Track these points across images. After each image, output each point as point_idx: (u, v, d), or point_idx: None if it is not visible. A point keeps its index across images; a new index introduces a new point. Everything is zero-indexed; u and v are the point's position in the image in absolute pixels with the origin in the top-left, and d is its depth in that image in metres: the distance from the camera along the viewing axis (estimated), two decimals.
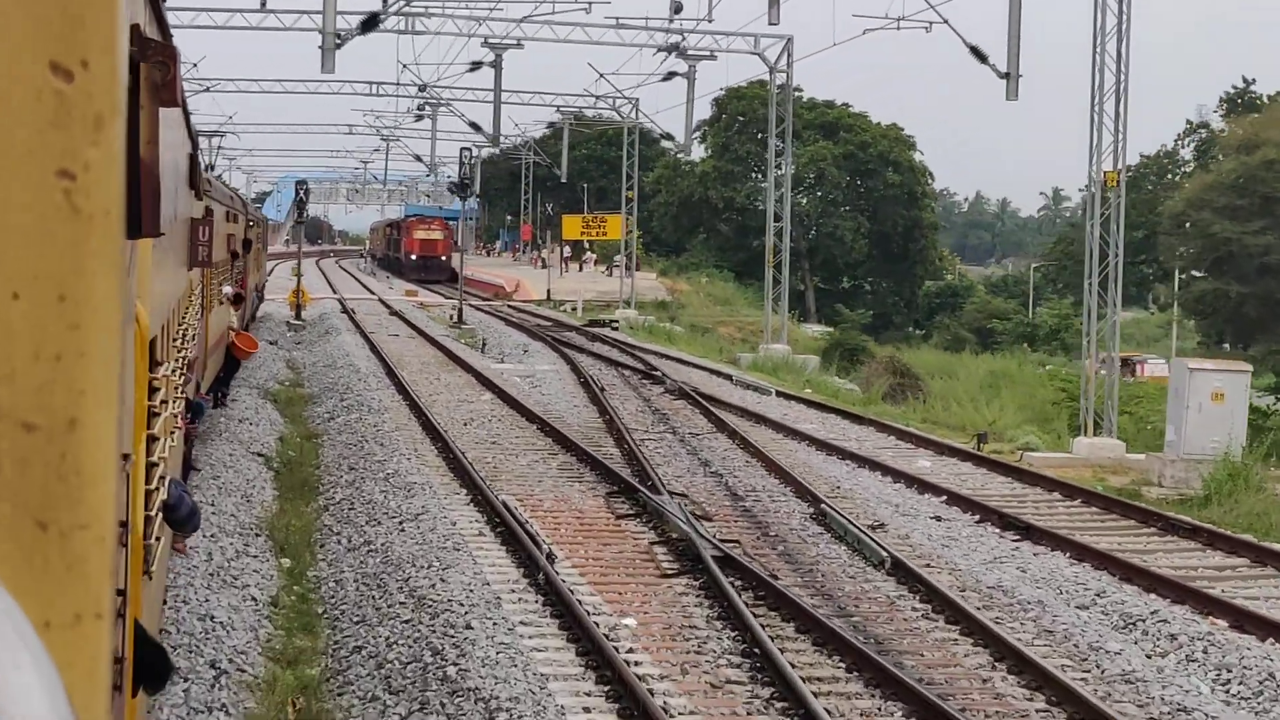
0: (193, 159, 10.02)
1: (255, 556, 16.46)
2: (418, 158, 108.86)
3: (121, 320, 2.38)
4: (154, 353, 5.83)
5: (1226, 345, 73.67)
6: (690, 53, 55.46)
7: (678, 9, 48.70)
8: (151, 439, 5.61)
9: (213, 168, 55.86)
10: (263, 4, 49.30)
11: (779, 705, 11.95)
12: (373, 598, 15.07)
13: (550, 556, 16.28)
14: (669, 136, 69.60)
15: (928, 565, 17.14)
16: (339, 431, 26.15)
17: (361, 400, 29.48)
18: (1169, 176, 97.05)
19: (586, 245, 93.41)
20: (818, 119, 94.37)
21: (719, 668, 12.94)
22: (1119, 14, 30.16)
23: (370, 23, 42.50)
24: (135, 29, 2.64)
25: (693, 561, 16.48)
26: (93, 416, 2.26)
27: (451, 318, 56.73)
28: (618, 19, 53.25)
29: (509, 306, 66.09)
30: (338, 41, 41.40)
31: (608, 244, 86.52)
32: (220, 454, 21.71)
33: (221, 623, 13.37)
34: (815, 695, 11.89)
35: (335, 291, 74.88)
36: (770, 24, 45.36)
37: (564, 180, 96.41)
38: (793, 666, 12.56)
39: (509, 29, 55.44)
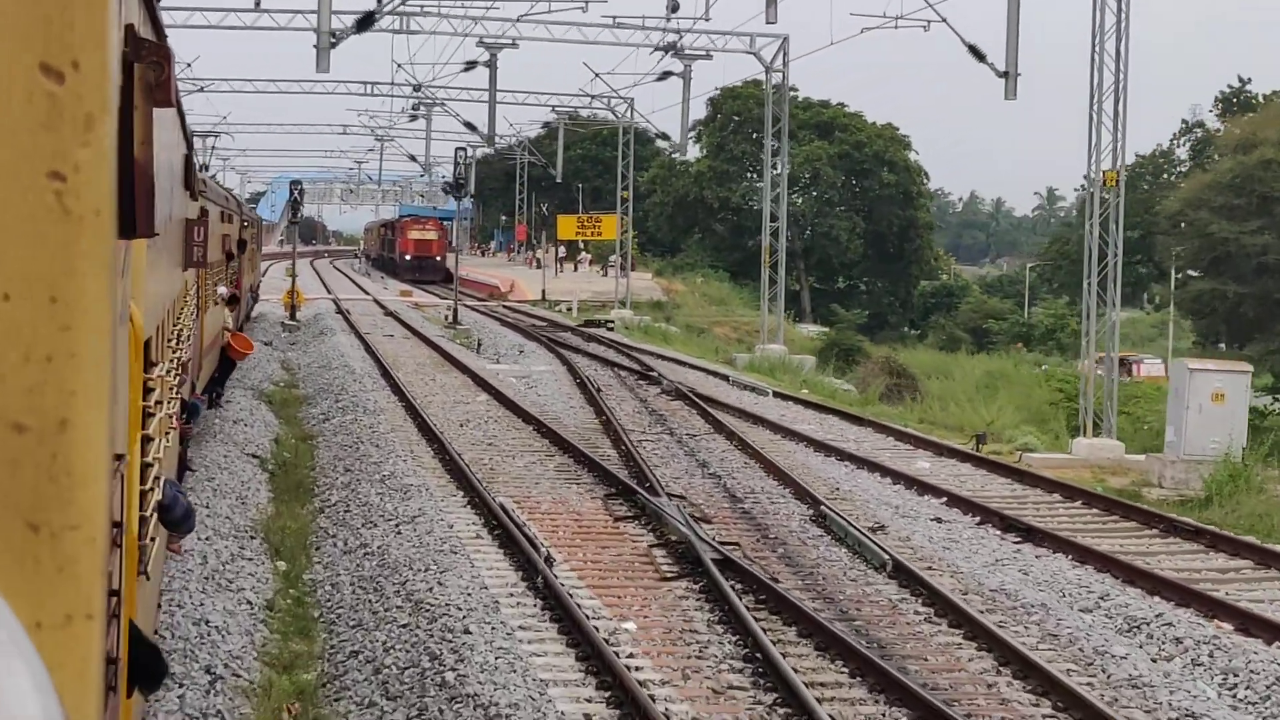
0: (188, 159, 10.03)
1: (250, 559, 16.29)
2: (412, 158, 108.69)
3: (113, 321, 2.39)
4: (149, 353, 5.86)
5: (1222, 345, 73.59)
6: (686, 52, 55.32)
7: (674, 7, 48.54)
8: (146, 439, 5.63)
9: (207, 168, 55.75)
10: (257, 3, 49.20)
11: (782, 712, 11.79)
12: (369, 601, 14.90)
13: (549, 559, 16.11)
14: (664, 136, 69.56)
15: (929, 568, 16.98)
16: (334, 433, 25.98)
17: (357, 401, 29.31)
18: (1164, 176, 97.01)
19: (581, 245, 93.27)
20: (813, 119, 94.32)
21: (721, 673, 12.77)
22: (1118, 12, 30.05)
23: (365, 22, 42.35)
24: (130, 29, 2.69)
25: (692, 564, 16.32)
26: (84, 417, 2.28)
27: (446, 318, 56.57)
28: (614, 18, 53.15)
29: (504, 307, 65.93)
30: (333, 41, 41.25)
31: (602, 244, 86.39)
32: (215, 456, 21.54)
33: (216, 627, 13.20)
34: (820, 701, 11.74)
35: (330, 292, 74.70)
36: (768, 23, 45.30)
37: (559, 180, 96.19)
38: (796, 672, 12.40)
39: (504, 28, 55.30)
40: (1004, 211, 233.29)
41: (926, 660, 13.52)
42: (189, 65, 60.14)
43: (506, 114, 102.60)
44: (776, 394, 35.37)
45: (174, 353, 9.38)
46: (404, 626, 13.74)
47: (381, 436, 24.89)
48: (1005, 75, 37.06)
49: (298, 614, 14.88)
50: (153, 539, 6.03)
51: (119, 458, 2.96)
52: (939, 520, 20.33)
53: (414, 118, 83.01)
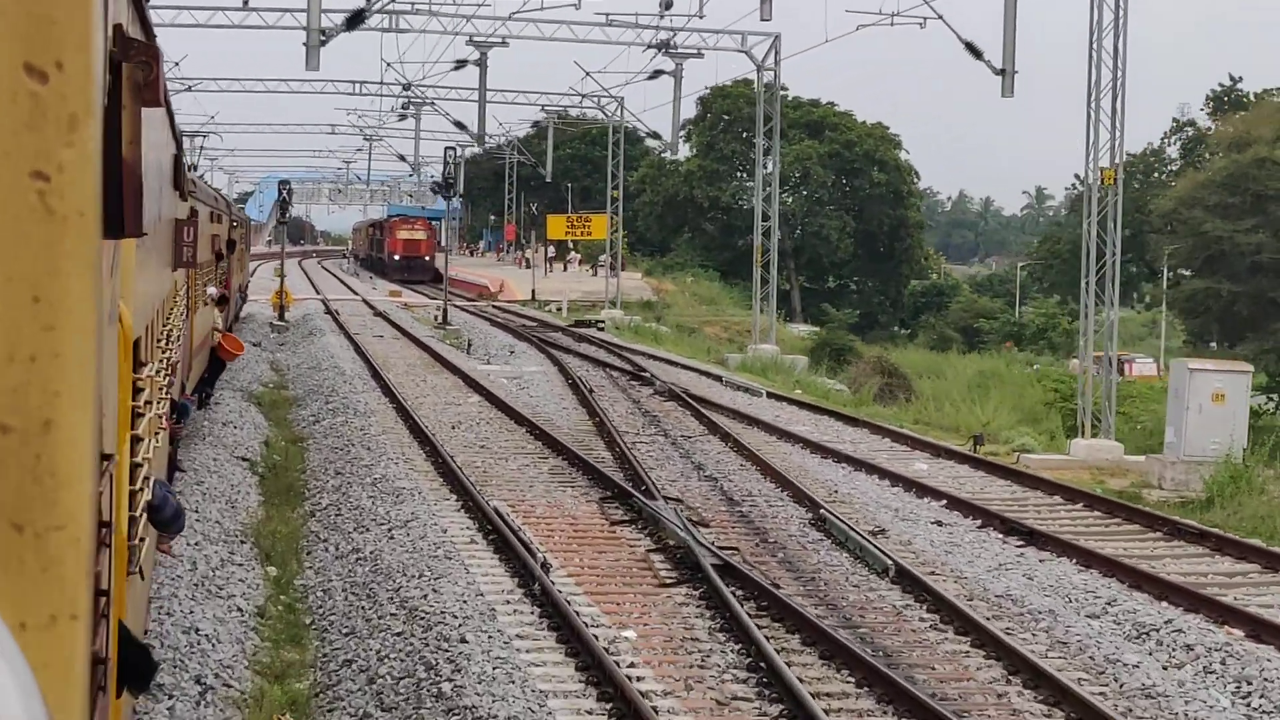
0: (177, 159, 10.08)
1: (241, 565, 15.96)
2: (401, 157, 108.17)
3: (97, 321, 2.38)
4: (138, 353, 5.90)
5: (1213, 344, 73.40)
6: (677, 51, 55.00)
7: (668, 4, 48.23)
8: (135, 439, 5.66)
9: (195, 168, 55.30)
10: (245, 2, 48.77)
11: None
12: (362, 608, 14.58)
13: (545, 565, 15.79)
14: (655, 135, 69.12)
15: (932, 573, 16.67)
16: (325, 435, 25.65)
17: (347, 403, 28.98)
18: (1155, 175, 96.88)
19: (570, 245, 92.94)
20: (803, 118, 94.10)
21: (724, 683, 12.46)
22: (1116, 9, 29.80)
23: (355, 19, 42.02)
24: (118, 29, 2.70)
25: (691, 570, 16.00)
26: (68, 418, 2.28)
27: (436, 318, 56.27)
28: (607, 16, 52.79)
29: (494, 307, 65.63)
30: (322, 39, 40.88)
31: (592, 244, 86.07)
32: (204, 458, 21.21)
33: (206, 635, 12.88)
34: (827, 713, 11.43)
35: (319, 292, 74.31)
36: (762, 20, 45.01)
37: (548, 180, 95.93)
38: (802, 681, 12.08)
39: (495, 27, 54.96)
40: (993, 211, 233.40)
41: (934, 669, 13.21)
42: (177, 64, 59.71)
43: (496, 113, 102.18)
44: (770, 395, 35.08)
45: (163, 353, 9.28)
46: (398, 634, 13.42)
47: (372, 439, 24.56)
48: (1002, 72, 36.79)
49: (289, 621, 14.57)
50: (142, 539, 6.02)
51: (107, 458, 2.97)
52: (940, 523, 20.03)
53: (403, 117, 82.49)
